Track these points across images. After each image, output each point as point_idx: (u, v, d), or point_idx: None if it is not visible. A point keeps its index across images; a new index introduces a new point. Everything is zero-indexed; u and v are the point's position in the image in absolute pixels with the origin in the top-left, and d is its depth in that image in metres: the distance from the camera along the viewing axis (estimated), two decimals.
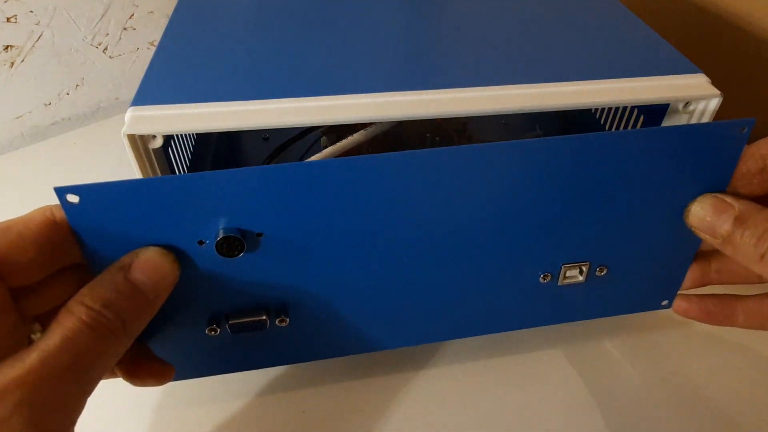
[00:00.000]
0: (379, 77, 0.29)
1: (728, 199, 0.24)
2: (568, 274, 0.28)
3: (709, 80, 0.28)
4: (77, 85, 0.56)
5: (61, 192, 0.21)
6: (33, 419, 0.17)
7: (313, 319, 0.27)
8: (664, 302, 0.31)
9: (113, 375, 0.25)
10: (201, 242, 0.23)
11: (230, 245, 0.23)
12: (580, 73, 0.29)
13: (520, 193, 0.25)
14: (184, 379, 0.30)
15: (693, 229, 0.25)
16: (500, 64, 0.30)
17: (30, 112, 0.54)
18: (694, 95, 0.28)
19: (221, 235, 0.22)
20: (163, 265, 0.22)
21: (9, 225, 0.21)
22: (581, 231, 0.27)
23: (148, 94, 0.27)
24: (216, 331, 0.26)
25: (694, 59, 0.30)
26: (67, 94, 0.56)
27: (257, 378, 0.33)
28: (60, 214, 0.22)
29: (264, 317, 0.26)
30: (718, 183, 0.26)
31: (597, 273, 0.29)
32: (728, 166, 0.25)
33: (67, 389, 0.19)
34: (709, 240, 0.25)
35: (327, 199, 0.23)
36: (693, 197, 0.26)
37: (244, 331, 0.26)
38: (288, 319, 0.27)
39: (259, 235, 0.23)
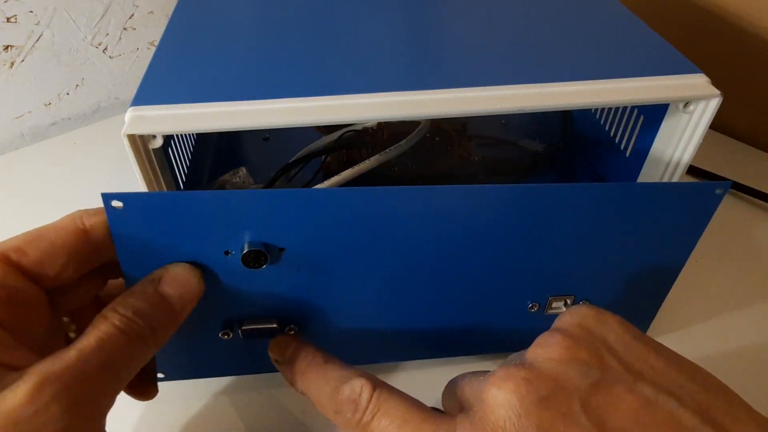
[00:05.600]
0: (380, 77, 0.29)
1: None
2: (554, 305, 0.30)
3: (709, 80, 0.28)
4: (77, 85, 0.56)
5: (107, 198, 0.22)
6: (69, 408, 0.19)
7: (320, 330, 0.29)
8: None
9: None
10: (227, 252, 0.25)
11: (257, 257, 0.24)
12: (580, 73, 0.29)
13: (512, 235, 0.26)
14: (191, 378, 0.31)
15: None
16: (500, 64, 0.30)
17: (30, 112, 0.54)
18: (694, 95, 0.28)
19: (247, 248, 0.24)
20: (190, 280, 0.24)
21: (41, 233, 0.23)
22: (566, 269, 0.28)
23: (148, 94, 0.27)
24: (229, 335, 0.28)
25: (694, 59, 0.30)
26: (67, 94, 0.56)
27: (262, 375, 0.33)
28: (89, 221, 0.23)
29: (275, 325, 0.28)
30: (693, 232, 0.28)
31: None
32: (703, 218, 0.27)
33: (100, 385, 0.21)
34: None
35: (342, 224, 0.25)
36: (669, 244, 0.28)
37: (255, 337, 0.28)
38: (297, 329, 0.28)
39: (281, 250, 0.25)
